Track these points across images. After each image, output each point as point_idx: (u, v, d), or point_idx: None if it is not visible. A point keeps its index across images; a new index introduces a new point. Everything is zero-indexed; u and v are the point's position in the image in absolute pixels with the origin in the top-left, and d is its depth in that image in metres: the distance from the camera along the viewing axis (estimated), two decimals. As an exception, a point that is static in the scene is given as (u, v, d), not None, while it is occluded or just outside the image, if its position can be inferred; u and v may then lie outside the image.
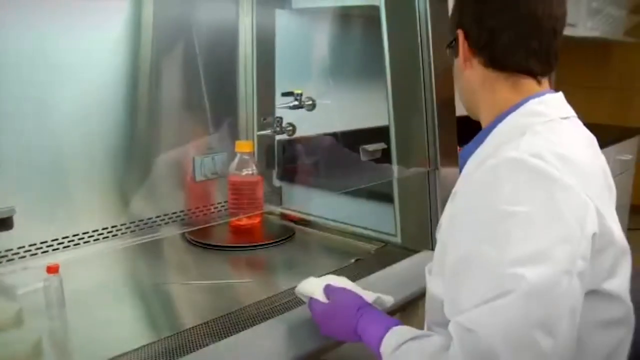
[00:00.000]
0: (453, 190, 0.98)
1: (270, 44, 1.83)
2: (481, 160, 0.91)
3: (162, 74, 1.61)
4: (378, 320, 0.99)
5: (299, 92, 1.65)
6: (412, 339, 0.91)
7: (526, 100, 0.96)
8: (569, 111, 0.99)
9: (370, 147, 1.53)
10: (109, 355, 0.96)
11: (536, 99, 0.96)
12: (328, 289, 1.07)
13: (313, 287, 1.09)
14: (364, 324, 0.99)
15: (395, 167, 1.48)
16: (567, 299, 0.79)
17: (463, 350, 0.80)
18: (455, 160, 1.43)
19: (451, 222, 0.92)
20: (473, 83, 1.02)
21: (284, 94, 1.66)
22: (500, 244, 0.80)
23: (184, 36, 1.64)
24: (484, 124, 1.02)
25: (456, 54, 1.02)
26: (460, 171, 1.02)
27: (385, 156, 1.58)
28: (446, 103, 1.49)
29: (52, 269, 1.10)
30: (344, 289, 1.07)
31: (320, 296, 1.06)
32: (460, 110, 1.27)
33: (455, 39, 1.01)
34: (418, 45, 1.51)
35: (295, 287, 1.12)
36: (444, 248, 0.92)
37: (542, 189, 0.82)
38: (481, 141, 0.99)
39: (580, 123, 0.99)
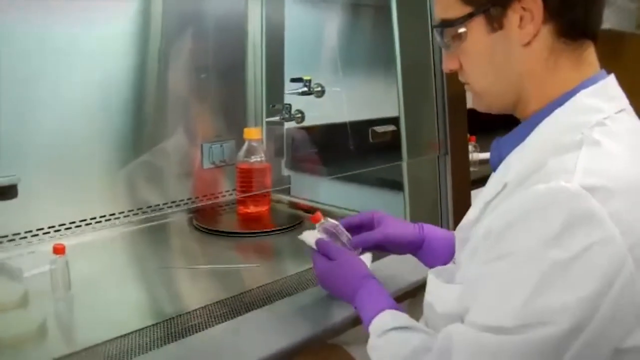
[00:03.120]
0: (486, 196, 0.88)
1: (279, 31, 1.82)
2: (529, 170, 0.79)
3: (171, 62, 1.60)
4: (376, 297, 0.96)
5: (308, 78, 1.64)
6: (401, 328, 0.88)
7: (581, 86, 0.84)
8: (622, 97, 0.87)
9: (380, 128, 1.52)
10: (113, 336, 0.95)
11: (589, 89, 0.84)
12: (335, 249, 1.06)
13: (311, 237, 1.10)
14: (362, 295, 0.97)
15: (404, 152, 1.47)
16: None
17: None
18: (466, 146, 1.42)
19: (488, 234, 0.81)
20: (532, 61, 0.84)
21: (293, 80, 1.65)
22: (522, 283, 0.73)
23: (193, 23, 1.63)
24: (525, 115, 0.88)
25: (498, 27, 0.84)
26: (493, 165, 0.92)
27: (395, 144, 1.57)
28: (457, 90, 1.47)
29: (59, 250, 1.09)
30: (351, 252, 1.07)
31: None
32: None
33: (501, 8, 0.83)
34: (429, 32, 1.49)
35: (302, 270, 1.12)
36: (472, 256, 0.85)
37: (583, 234, 0.71)
38: (523, 136, 0.86)
39: (632, 111, 0.88)
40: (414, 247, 1.15)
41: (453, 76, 1.47)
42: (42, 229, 1.40)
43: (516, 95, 0.87)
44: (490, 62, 0.87)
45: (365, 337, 0.94)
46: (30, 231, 1.38)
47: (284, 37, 1.82)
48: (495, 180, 0.87)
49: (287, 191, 1.87)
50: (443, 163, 1.43)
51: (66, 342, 1.00)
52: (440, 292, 0.90)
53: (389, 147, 1.62)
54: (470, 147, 1.96)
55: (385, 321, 0.90)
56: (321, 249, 1.08)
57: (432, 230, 1.16)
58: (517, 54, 0.84)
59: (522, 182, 0.79)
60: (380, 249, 1.16)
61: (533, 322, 0.71)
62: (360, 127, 1.77)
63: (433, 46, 1.51)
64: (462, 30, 0.86)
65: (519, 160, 0.84)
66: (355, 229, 1.16)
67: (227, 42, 1.72)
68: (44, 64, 1.36)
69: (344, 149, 1.76)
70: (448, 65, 0.92)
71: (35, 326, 0.96)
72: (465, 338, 0.76)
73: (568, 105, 0.83)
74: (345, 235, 1.12)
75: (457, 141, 1.42)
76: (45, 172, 1.37)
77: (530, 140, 0.85)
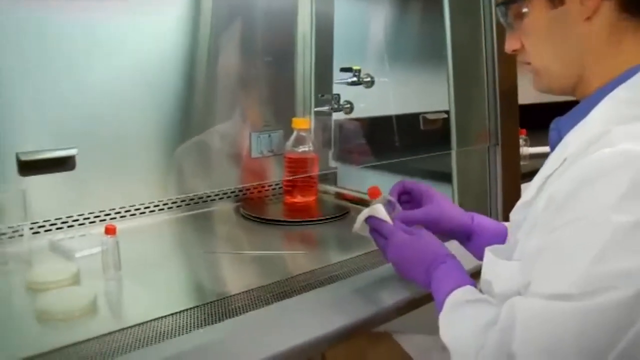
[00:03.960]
0: (547, 170, 0.85)
1: (329, 21, 1.81)
2: (591, 140, 0.78)
3: (221, 51, 1.61)
4: (457, 273, 0.95)
5: (358, 68, 1.63)
6: (472, 301, 0.87)
7: None
8: None
9: (432, 115, 1.50)
10: (159, 315, 0.96)
11: None
12: (408, 225, 1.05)
13: (380, 212, 1.07)
14: (441, 271, 0.95)
15: (454, 141, 1.45)
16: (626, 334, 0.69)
17: (500, 340, 0.75)
18: (517, 137, 1.39)
19: (550, 203, 0.79)
20: (594, 38, 0.83)
21: (343, 69, 1.64)
22: (586, 249, 0.71)
23: (243, 13, 1.64)
24: (586, 94, 0.87)
25: (559, 3, 0.84)
26: (552, 144, 0.90)
27: (444, 135, 1.55)
28: (509, 82, 1.45)
29: (110, 230, 1.11)
30: (428, 231, 1.04)
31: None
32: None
33: None
34: (481, 24, 1.47)
35: (348, 258, 1.10)
36: (532, 229, 0.82)
37: None
38: (584, 113, 0.84)
39: None
40: (462, 236, 1.14)
41: (505, 69, 1.49)
42: (94, 212, 1.43)
43: (577, 74, 0.86)
44: (551, 39, 0.87)
45: (413, 327, 0.93)
46: (82, 214, 1.41)
47: (333, 27, 1.81)
48: (554, 157, 0.86)
49: (334, 182, 1.87)
50: (493, 154, 1.41)
51: (115, 319, 1.02)
52: (497, 269, 0.88)
53: (438, 139, 1.60)
54: (521, 141, 1.92)
55: (465, 294, 0.89)
56: (398, 223, 1.07)
57: (483, 221, 1.14)
58: (579, 30, 0.83)
59: (584, 152, 0.78)
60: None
61: (598, 288, 0.69)
62: (409, 120, 1.75)
63: (485, 39, 1.48)
64: (524, 8, 0.87)
65: (580, 135, 0.82)
66: (404, 196, 1.16)
67: (277, 31, 1.72)
68: (96, 53, 1.38)
69: (392, 141, 1.75)
70: (510, 45, 0.92)
71: (87, 302, 0.98)
72: (528, 308, 0.74)
73: (633, 80, 0.81)
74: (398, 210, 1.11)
75: (508, 132, 1.40)
76: (98, 158, 1.39)
77: (591, 116, 0.83)
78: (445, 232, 1.13)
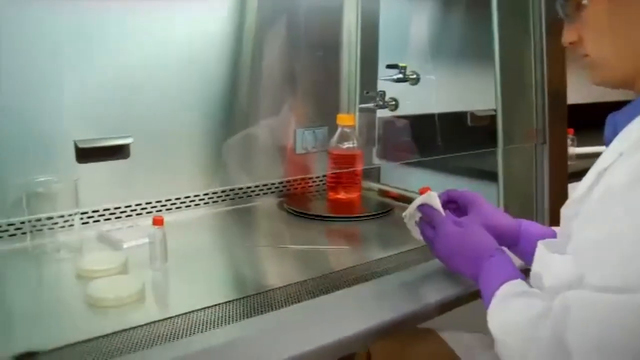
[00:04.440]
0: (604, 160, 0.84)
1: (374, 18, 1.81)
2: None
3: (266, 47, 1.62)
4: (506, 267, 0.94)
5: (404, 65, 1.62)
6: (522, 293, 0.86)
7: None
8: None
9: (479, 112, 1.48)
10: (201, 306, 0.98)
11: None
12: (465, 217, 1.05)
13: (434, 199, 1.07)
14: (490, 264, 0.95)
15: (500, 139, 1.43)
16: None
17: (554, 334, 0.74)
18: (565, 136, 1.37)
19: (607, 195, 0.79)
20: None
21: (389, 66, 1.63)
22: None
23: (288, 9, 1.65)
24: None
25: None
26: (608, 139, 0.89)
27: (490, 134, 1.53)
28: (557, 78, 1.43)
29: (158, 221, 1.13)
30: (478, 225, 1.04)
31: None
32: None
33: None
34: (530, 21, 1.45)
35: (390, 255, 1.10)
36: (587, 222, 0.82)
37: None
38: None
39: None
40: (509, 243, 1.12)
41: (554, 67, 1.46)
42: (140, 204, 1.45)
43: (636, 66, 0.85)
44: (612, 31, 0.85)
45: (458, 323, 0.92)
46: (130, 206, 1.44)
47: (378, 23, 1.81)
48: (610, 151, 0.84)
49: (377, 179, 1.87)
50: (540, 153, 1.39)
51: (161, 308, 1.04)
52: (549, 262, 0.87)
53: (484, 137, 1.59)
54: (568, 140, 1.89)
55: (515, 287, 0.88)
56: (449, 215, 1.07)
57: (531, 227, 1.13)
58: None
59: None
60: None
61: None
62: (454, 118, 1.74)
63: (534, 37, 1.46)
64: None
65: (637, 130, 0.81)
66: (450, 204, 1.15)
67: (323, 27, 1.73)
68: (147, 49, 1.41)
69: (437, 139, 1.73)
70: (567, 37, 0.92)
71: (135, 291, 1.00)
72: (582, 300, 0.73)
73: None
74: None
75: (556, 130, 1.37)
76: (146, 151, 1.41)
77: None
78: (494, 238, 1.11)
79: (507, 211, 1.18)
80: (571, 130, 2.06)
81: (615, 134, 0.86)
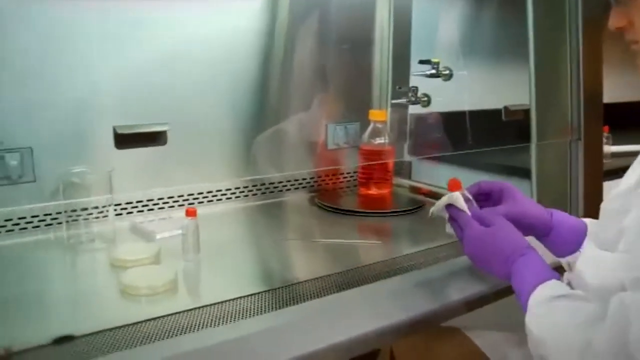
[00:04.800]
0: None
1: (406, 14, 1.81)
2: None
3: (298, 42, 1.63)
4: (540, 266, 0.91)
5: (437, 60, 1.62)
6: (565, 296, 0.83)
7: None
8: None
9: (513, 106, 1.47)
10: (231, 297, 0.98)
11: None
12: (487, 214, 1.01)
13: (459, 200, 1.04)
14: (523, 263, 0.92)
15: (534, 134, 1.41)
16: None
17: (613, 336, 0.72)
18: (600, 132, 1.35)
19: None
20: None
21: (421, 62, 1.63)
22: None
23: (321, 4, 1.65)
24: None
25: None
26: None
27: (523, 132, 1.51)
28: (593, 75, 1.41)
29: (191, 212, 1.14)
30: (507, 221, 1.00)
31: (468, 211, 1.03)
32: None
33: None
34: (566, 18, 1.44)
35: (420, 250, 1.08)
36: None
37: None
38: None
39: None
40: (540, 233, 1.10)
41: (590, 64, 1.44)
42: (173, 197, 1.47)
43: None
44: None
45: (487, 323, 0.91)
46: (162, 198, 1.45)
47: (411, 19, 1.80)
48: None
49: (408, 175, 1.86)
50: (575, 149, 1.36)
51: (193, 297, 1.06)
52: (598, 261, 0.85)
53: (517, 134, 1.57)
54: (603, 138, 1.87)
55: (553, 289, 0.85)
56: (474, 214, 1.03)
57: (562, 218, 1.10)
58: None
59: None
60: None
61: None
62: (487, 115, 1.73)
63: (570, 33, 1.45)
64: None
65: None
66: (482, 195, 1.12)
67: (355, 23, 1.73)
68: (179, 45, 1.43)
69: (469, 135, 1.72)
70: (615, 22, 0.88)
71: (168, 280, 1.01)
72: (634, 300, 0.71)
73: None
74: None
75: (591, 127, 1.35)
76: (178, 144, 1.43)
77: None
78: (524, 228, 1.07)
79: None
80: (606, 128, 2.03)
81: None
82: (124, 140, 1.25)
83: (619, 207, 0.84)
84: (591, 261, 0.87)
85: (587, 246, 0.89)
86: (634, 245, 0.78)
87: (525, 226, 1.07)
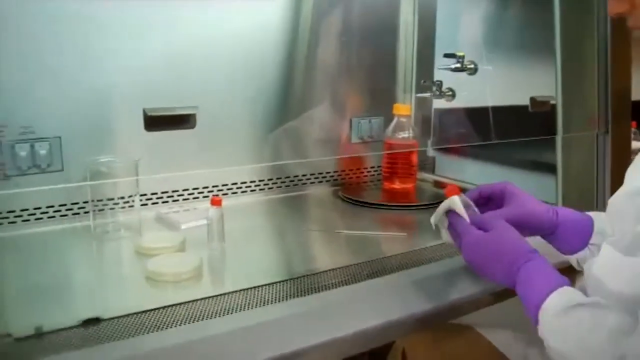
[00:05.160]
0: None
1: (431, 8, 1.80)
2: None
3: (322, 36, 1.63)
4: (549, 272, 0.85)
5: (462, 54, 1.61)
6: (584, 305, 0.77)
7: None
8: None
9: (540, 97, 1.45)
10: (253, 284, 0.99)
11: None
12: (487, 218, 0.96)
13: (457, 204, 0.99)
14: (528, 270, 0.86)
15: (560, 126, 1.40)
16: None
17: None
18: (628, 125, 1.33)
19: None
20: None
21: (447, 55, 1.62)
22: None
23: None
24: None
25: None
26: None
27: (549, 125, 1.50)
28: (621, 70, 1.39)
29: (216, 201, 1.15)
30: (508, 224, 0.94)
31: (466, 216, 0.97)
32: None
33: None
34: (594, 13, 1.43)
35: (439, 244, 1.07)
36: None
37: None
38: None
39: None
40: (546, 232, 1.05)
41: (618, 59, 1.42)
42: (198, 188, 1.48)
43: None
44: None
45: (501, 321, 0.89)
46: (187, 189, 1.47)
47: (435, 12, 1.80)
48: None
49: (432, 170, 1.86)
50: (602, 143, 1.35)
51: (216, 284, 1.07)
52: (618, 265, 0.79)
53: (542, 130, 1.56)
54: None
55: (568, 298, 0.79)
56: (473, 219, 0.97)
57: (567, 214, 1.05)
58: None
59: None
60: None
61: None
62: (512, 110, 1.72)
63: (598, 28, 1.43)
64: None
65: None
66: (483, 200, 1.07)
67: (379, 16, 1.73)
68: (202, 36, 1.44)
69: (493, 130, 1.71)
70: (614, 8, 0.85)
71: (193, 267, 1.02)
72: None
73: None
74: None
75: (618, 119, 1.33)
76: (201, 138, 1.45)
77: None
78: (530, 229, 1.03)
79: (566, 203, 1.14)
80: (634, 124, 2.01)
81: None
82: (153, 122, 1.26)
83: (634, 211, 0.80)
84: (610, 266, 0.81)
85: (605, 249, 0.82)
86: None
87: (530, 226, 1.02)
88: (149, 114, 1.31)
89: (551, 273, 0.85)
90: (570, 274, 1.03)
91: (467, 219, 0.97)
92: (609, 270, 0.80)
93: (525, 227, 1.00)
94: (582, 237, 1.02)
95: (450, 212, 1.01)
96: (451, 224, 1.00)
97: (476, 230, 0.95)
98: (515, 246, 0.90)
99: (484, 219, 0.97)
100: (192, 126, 1.31)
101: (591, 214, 1.04)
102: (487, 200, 1.07)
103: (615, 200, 0.85)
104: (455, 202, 1.00)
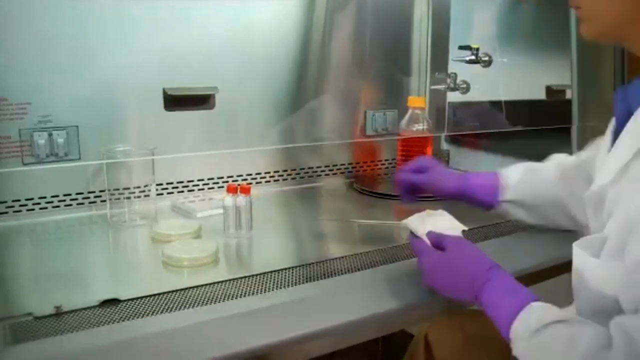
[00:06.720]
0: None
1: (446, 1, 1.80)
2: None
3: (336, 29, 1.64)
4: (512, 290, 0.82)
5: (476, 46, 1.61)
6: (560, 321, 0.73)
7: None
8: None
9: (556, 86, 1.45)
10: (266, 270, 1.00)
11: None
12: (443, 237, 0.91)
13: (417, 224, 0.97)
14: (492, 290, 0.82)
15: (575, 117, 1.39)
16: None
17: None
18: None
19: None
20: None
21: (461, 47, 1.62)
22: None
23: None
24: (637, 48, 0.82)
25: None
26: (619, 119, 0.83)
27: (564, 119, 1.50)
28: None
29: (245, 190, 1.17)
30: (464, 241, 0.91)
31: (424, 237, 0.94)
32: None
33: None
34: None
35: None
36: (633, 231, 0.71)
37: None
38: None
39: None
40: (456, 196, 1.19)
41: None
42: (213, 178, 1.49)
43: (626, 18, 0.80)
44: None
45: None
46: (202, 179, 1.48)
47: (450, 5, 1.80)
48: (628, 141, 0.78)
49: (446, 162, 1.86)
50: (618, 133, 1.34)
51: (232, 269, 1.08)
52: (590, 267, 0.78)
53: (557, 121, 1.56)
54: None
55: (539, 316, 0.75)
56: (432, 239, 0.93)
57: (473, 178, 1.19)
58: None
59: None
60: (422, 192, 1.23)
61: None
62: (526, 104, 1.72)
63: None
64: None
65: None
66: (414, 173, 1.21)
67: (394, 8, 1.73)
68: (218, 28, 1.46)
69: (507, 123, 1.71)
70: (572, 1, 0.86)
71: (209, 253, 1.03)
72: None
73: None
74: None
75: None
76: (217, 132, 1.47)
77: None
78: (441, 193, 1.20)
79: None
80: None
81: (628, 112, 0.80)
82: (173, 102, 1.28)
83: (597, 202, 0.80)
84: (586, 268, 0.79)
85: (575, 252, 0.81)
86: (631, 260, 0.71)
87: (440, 191, 1.20)
88: (169, 93, 1.33)
89: (517, 290, 0.82)
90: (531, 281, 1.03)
91: (424, 238, 0.94)
92: (587, 272, 0.79)
93: (436, 190, 1.20)
94: (489, 197, 1.17)
95: (410, 235, 0.99)
96: (412, 246, 0.97)
97: (432, 252, 0.92)
98: (473, 266, 0.87)
99: (444, 238, 0.92)
100: (212, 107, 1.32)
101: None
102: (418, 172, 1.21)
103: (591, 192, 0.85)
104: (410, 221, 1.00)
